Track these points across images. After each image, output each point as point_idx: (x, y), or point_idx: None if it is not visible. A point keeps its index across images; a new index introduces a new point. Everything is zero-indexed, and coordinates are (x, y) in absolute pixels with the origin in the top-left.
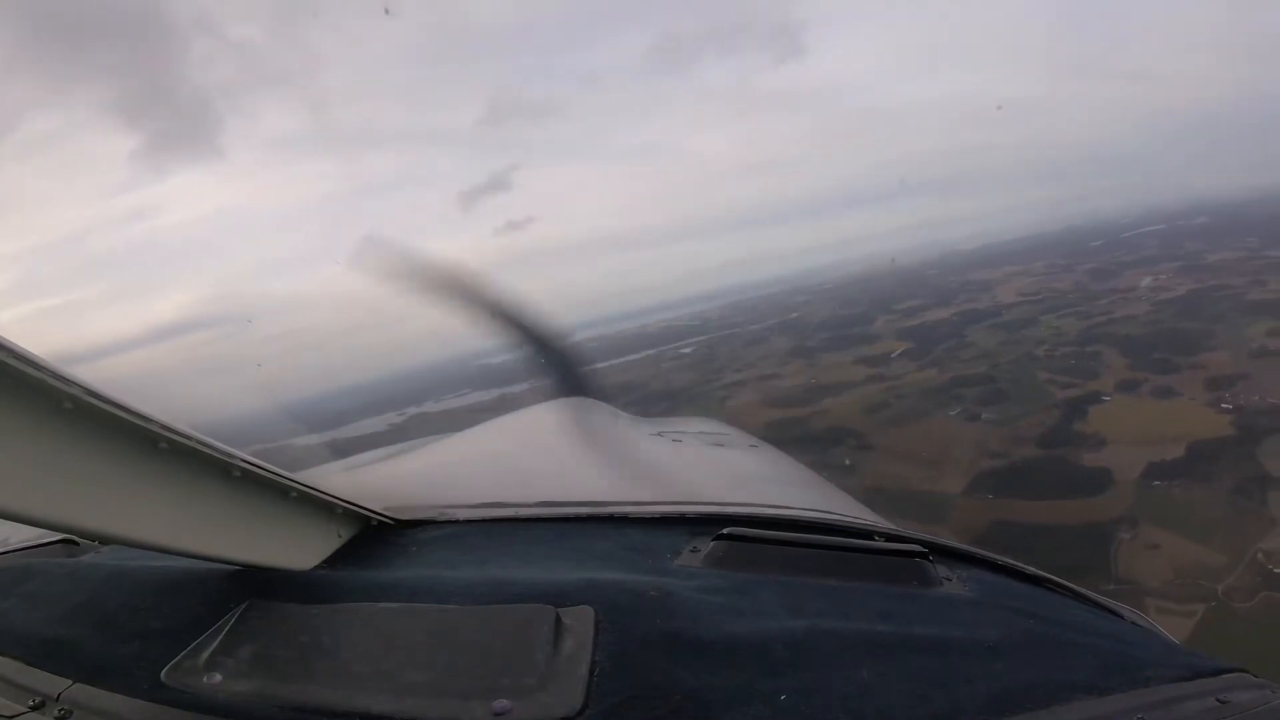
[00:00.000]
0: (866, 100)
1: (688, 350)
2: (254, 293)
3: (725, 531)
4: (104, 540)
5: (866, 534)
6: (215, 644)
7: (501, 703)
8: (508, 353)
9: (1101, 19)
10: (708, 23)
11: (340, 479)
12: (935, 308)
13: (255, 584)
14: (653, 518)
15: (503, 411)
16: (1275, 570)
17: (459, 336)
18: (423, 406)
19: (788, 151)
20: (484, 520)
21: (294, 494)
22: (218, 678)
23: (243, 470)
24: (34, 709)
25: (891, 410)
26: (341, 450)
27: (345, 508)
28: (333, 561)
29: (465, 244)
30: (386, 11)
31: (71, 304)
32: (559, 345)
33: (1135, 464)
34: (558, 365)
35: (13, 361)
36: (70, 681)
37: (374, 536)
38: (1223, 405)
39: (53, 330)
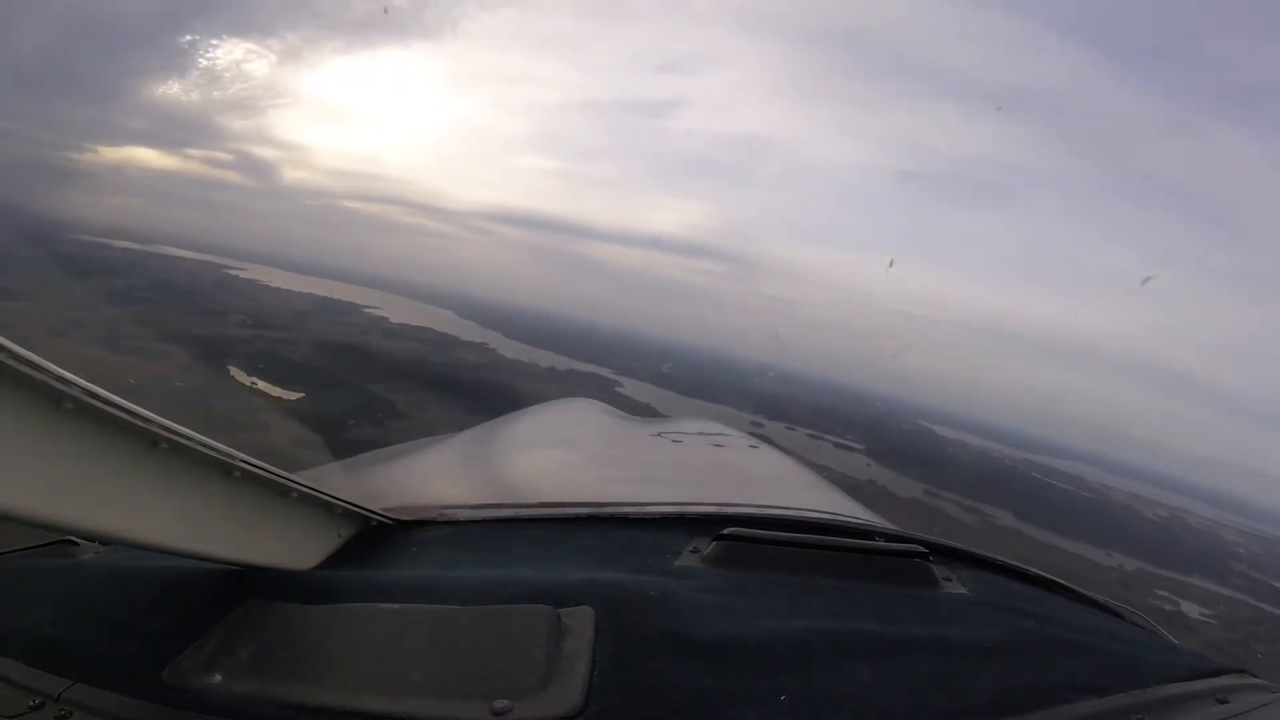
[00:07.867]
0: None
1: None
2: (767, 249)
3: (726, 532)
4: (104, 540)
5: (867, 534)
6: (215, 644)
7: (501, 703)
8: None
9: None
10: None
11: (340, 479)
12: None
13: (255, 584)
14: (653, 518)
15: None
16: None
17: None
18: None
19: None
20: (484, 520)
21: (294, 494)
22: (218, 678)
23: (243, 470)
24: (34, 709)
25: None
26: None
27: (345, 508)
28: (333, 561)
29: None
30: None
31: (569, 174)
32: None
33: None
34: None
35: (12, 362)
36: (70, 681)
37: (374, 536)
38: None
39: (551, 193)
